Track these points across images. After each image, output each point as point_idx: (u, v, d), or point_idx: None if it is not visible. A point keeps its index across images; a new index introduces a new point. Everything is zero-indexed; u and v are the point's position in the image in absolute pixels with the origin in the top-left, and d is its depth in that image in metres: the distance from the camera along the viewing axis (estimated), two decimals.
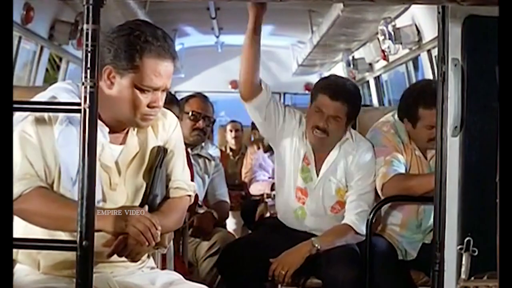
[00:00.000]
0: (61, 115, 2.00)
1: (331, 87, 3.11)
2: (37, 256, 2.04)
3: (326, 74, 8.84)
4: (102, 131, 2.05)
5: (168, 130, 2.23)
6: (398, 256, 3.17)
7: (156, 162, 2.15)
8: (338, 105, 3.08)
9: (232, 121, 7.18)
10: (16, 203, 1.87)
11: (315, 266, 3.07)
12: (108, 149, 2.08)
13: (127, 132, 2.14)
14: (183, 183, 2.25)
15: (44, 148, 1.99)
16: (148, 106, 2.05)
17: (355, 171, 3.18)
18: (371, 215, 3.06)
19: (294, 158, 3.22)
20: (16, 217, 1.92)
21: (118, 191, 2.09)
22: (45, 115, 1.99)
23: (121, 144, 2.12)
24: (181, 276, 2.19)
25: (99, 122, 1.99)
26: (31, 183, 1.95)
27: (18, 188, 1.92)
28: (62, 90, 2.06)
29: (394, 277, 3.04)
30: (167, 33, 2.08)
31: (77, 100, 1.73)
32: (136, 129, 2.15)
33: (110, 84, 2.02)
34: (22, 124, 1.98)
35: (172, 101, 3.65)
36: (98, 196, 1.95)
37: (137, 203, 2.12)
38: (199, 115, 3.94)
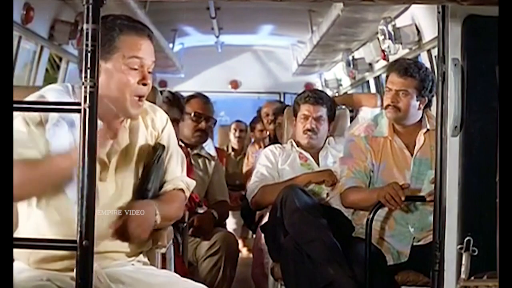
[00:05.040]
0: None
1: (311, 95, 3.73)
2: (27, 252, 2.05)
3: (326, 74, 8.85)
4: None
5: (159, 126, 2.25)
6: (390, 260, 3.16)
7: (153, 158, 2.17)
8: (320, 108, 3.71)
9: (237, 121, 7.15)
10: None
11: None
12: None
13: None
14: (177, 179, 2.27)
15: None
16: (137, 83, 2.07)
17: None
18: (371, 215, 3.06)
19: (293, 166, 3.66)
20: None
21: (108, 181, 2.11)
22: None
23: (112, 138, 2.12)
24: (179, 277, 2.16)
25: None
26: None
27: None
28: (51, 90, 2.09)
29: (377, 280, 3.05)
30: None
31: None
32: (128, 122, 2.16)
33: None
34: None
35: (173, 101, 3.65)
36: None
37: (127, 196, 2.13)
38: (201, 116, 3.94)
